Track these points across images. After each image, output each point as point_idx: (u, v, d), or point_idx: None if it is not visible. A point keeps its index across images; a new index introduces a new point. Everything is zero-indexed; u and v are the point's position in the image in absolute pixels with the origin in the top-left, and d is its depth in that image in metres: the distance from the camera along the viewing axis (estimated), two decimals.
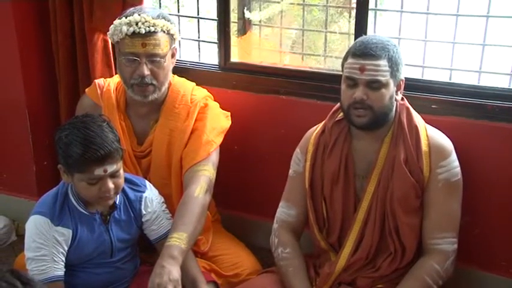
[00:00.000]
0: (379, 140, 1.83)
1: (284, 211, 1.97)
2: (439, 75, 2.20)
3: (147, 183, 1.94)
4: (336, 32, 2.69)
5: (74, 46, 2.44)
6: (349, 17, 2.45)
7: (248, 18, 2.56)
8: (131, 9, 1.99)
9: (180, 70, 2.34)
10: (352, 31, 2.21)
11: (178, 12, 2.62)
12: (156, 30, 1.92)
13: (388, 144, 1.82)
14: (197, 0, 2.50)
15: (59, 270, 1.73)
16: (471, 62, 2.16)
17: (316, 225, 1.91)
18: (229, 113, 2.17)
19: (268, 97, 2.36)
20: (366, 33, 2.15)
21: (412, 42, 2.25)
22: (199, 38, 2.57)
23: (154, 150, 2.06)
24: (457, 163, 1.82)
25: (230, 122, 2.15)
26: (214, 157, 2.03)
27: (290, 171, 1.99)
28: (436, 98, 2.08)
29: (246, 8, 2.54)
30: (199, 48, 2.57)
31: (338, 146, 1.86)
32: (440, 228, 1.79)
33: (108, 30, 1.99)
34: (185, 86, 2.11)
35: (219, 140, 2.07)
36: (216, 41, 2.45)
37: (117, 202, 1.82)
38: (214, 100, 2.17)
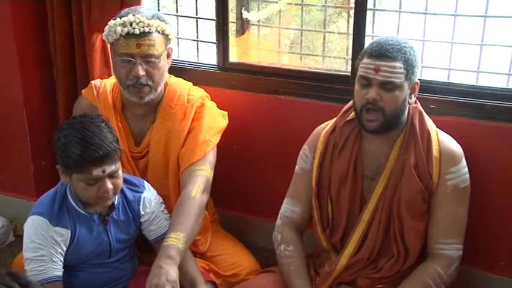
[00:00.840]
0: (390, 142, 1.83)
1: (288, 208, 1.97)
2: (438, 75, 2.20)
3: (146, 183, 1.94)
4: (334, 32, 2.69)
5: (72, 46, 2.44)
6: (348, 17, 2.45)
7: (246, 18, 2.55)
8: (126, 9, 1.99)
9: (179, 70, 2.35)
10: (351, 31, 2.22)
11: (177, 12, 2.63)
12: (150, 31, 1.92)
13: (399, 148, 1.81)
14: (196, 0, 2.50)
15: (58, 271, 1.73)
16: (469, 62, 2.16)
17: (320, 224, 1.91)
18: (226, 113, 2.17)
19: (267, 97, 2.36)
20: (364, 34, 2.16)
21: (411, 42, 2.25)
22: (197, 38, 2.57)
23: (151, 151, 2.06)
24: (466, 169, 1.82)
25: (227, 122, 2.15)
26: (211, 157, 2.03)
27: (296, 167, 1.98)
28: (435, 98, 2.08)
29: (244, 8, 2.54)
30: (197, 48, 2.57)
31: (348, 146, 1.85)
32: (446, 234, 1.79)
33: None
34: (182, 86, 2.11)
35: (216, 139, 2.07)
36: (214, 41, 2.45)
37: (115, 202, 1.82)
38: (213, 100, 2.17)
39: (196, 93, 2.11)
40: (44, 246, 1.72)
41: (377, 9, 2.25)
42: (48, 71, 2.56)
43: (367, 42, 2.13)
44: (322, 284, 1.85)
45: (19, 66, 2.52)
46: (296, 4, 2.56)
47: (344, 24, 2.66)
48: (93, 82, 2.16)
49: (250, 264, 2.14)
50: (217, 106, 2.17)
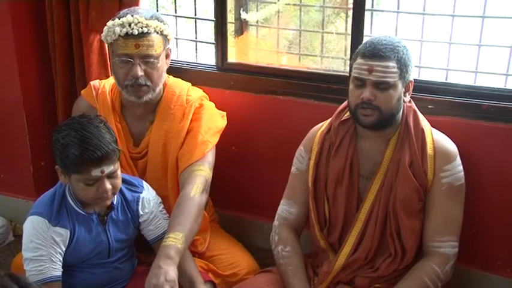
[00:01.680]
0: (385, 141, 1.83)
1: (285, 208, 1.97)
2: (436, 76, 2.20)
3: (145, 183, 1.94)
4: (332, 33, 2.68)
5: (71, 47, 2.43)
6: (346, 17, 2.44)
7: (245, 19, 2.55)
8: (125, 10, 1.98)
9: (178, 70, 2.34)
10: (349, 31, 2.21)
11: (176, 12, 2.62)
12: (149, 31, 1.92)
13: (394, 146, 1.82)
14: (194, 1, 2.50)
15: (57, 271, 1.73)
16: (467, 62, 2.16)
17: (317, 224, 1.91)
18: (225, 113, 2.17)
19: (266, 97, 2.36)
20: (362, 34, 2.15)
21: (409, 42, 2.25)
22: (196, 38, 2.57)
23: (150, 151, 2.06)
24: (461, 167, 1.83)
25: (226, 122, 2.15)
26: (210, 157, 2.03)
27: (293, 168, 1.98)
28: (433, 98, 2.08)
29: (242, 8, 2.54)
30: (196, 49, 2.57)
31: (344, 146, 1.86)
32: (442, 232, 1.79)
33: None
34: (181, 87, 2.10)
35: (215, 140, 2.07)
36: (213, 41, 2.45)
37: (114, 202, 1.82)
38: (212, 100, 2.17)
39: (195, 94, 2.11)
40: (43, 246, 1.71)
41: (375, 10, 2.25)
42: (47, 71, 2.56)
43: None
44: (321, 284, 1.85)
45: (18, 68, 2.52)
46: (294, 5, 2.56)
47: (342, 24, 2.65)
48: (92, 83, 2.16)
49: (249, 264, 2.14)
50: (216, 106, 2.17)
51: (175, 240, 1.74)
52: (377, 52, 1.71)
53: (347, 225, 1.86)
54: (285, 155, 2.11)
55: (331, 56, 2.56)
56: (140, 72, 1.93)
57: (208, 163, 2.01)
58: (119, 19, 1.93)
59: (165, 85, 2.07)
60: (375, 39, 1.78)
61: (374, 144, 1.84)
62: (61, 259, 1.75)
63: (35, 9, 2.49)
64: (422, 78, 2.15)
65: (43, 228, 1.72)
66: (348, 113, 1.86)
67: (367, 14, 2.14)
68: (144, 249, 1.98)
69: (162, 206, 1.94)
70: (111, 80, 2.13)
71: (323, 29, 2.47)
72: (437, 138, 1.83)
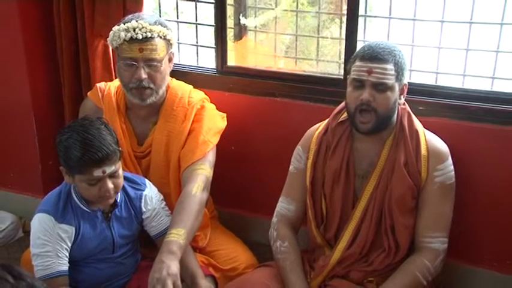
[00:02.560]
0: (381, 142, 1.83)
1: (284, 206, 1.96)
2: (426, 79, 2.20)
3: (147, 181, 1.94)
4: (327, 37, 2.70)
5: (77, 51, 2.44)
6: (340, 23, 2.45)
7: (244, 24, 2.56)
8: (130, 16, 1.99)
9: (179, 73, 2.35)
10: (343, 36, 2.22)
11: (178, 18, 2.62)
12: (153, 36, 1.92)
13: (390, 147, 1.82)
14: (195, 7, 2.50)
15: (63, 266, 1.73)
16: (455, 65, 2.16)
17: (315, 221, 1.91)
18: (225, 114, 2.17)
19: (264, 99, 2.36)
20: (356, 39, 2.16)
21: (400, 47, 2.25)
22: (197, 43, 2.57)
23: (153, 151, 2.06)
24: (452, 167, 1.83)
25: (226, 123, 2.15)
26: (211, 156, 2.03)
27: (291, 167, 1.98)
28: (423, 100, 2.08)
29: (242, 14, 2.54)
30: (197, 53, 2.57)
31: (340, 147, 1.86)
32: (433, 228, 1.80)
33: (109, 36, 1.99)
34: (183, 89, 2.11)
35: (215, 140, 2.07)
36: (213, 45, 2.45)
37: (118, 200, 1.82)
38: (212, 102, 2.17)
39: (197, 96, 2.11)
40: (49, 242, 1.72)
41: (368, 16, 2.25)
42: (55, 74, 2.56)
43: (359, 47, 2.12)
44: (317, 278, 1.85)
45: (27, 71, 2.52)
46: (291, 11, 2.57)
47: (337, 30, 2.66)
48: (98, 85, 2.16)
49: (248, 259, 2.14)
50: (216, 108, 2.17)
51: (178, 236, 1.74)
52: (376, 55, 1.72)
53: (343, 222, 1.86)
54: (282, 155, 2.11)
55: (326, 59, 2.57)
56: (144, 75, 1.94)
57: (209, 162, 2.01)
58: (124, 24, 1.93)
59: (168, 87, 2.07)
60: (372, 43, 1.78)
61: (370, 145, 1.84)
62: (67, 255, 1.75)
63: (44, 15, 2.49)
64: (413, 81, 2.16)
65: (49, 225, 1.73)
66: (344, 115, 1.86)
67: (360, 20, 2.15)
68: (147, 245, 1.98)
69: (164, 203, 1.95)
70: (116, 82, 2.13)
71: (318, 34, 2.47)
72: (430, 139, 1.83)
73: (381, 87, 1.73)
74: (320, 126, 1.94)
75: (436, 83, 2.16)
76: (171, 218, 1.88)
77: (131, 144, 2.07)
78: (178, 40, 2.55)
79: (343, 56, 2.24)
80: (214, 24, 2.40)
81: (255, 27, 2.59)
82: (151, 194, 1.90)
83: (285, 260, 1.86)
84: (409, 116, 1.84)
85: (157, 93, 2.00)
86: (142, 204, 1.87)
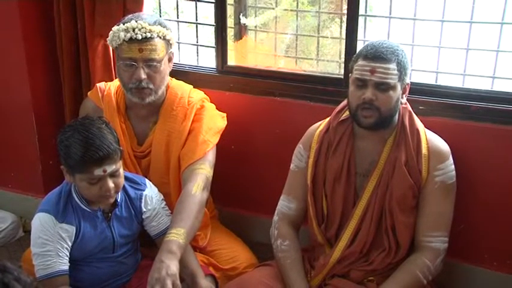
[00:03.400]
0: (382, 141, 1.83)
1: (285, 204, 1.96)
2: (426, 78, 2.20)
3: (147, 181, 1.93)
4: (328, 37, 2.69)
5: (78, 51, 2.43)
6: (341, 22, 2.45)
7: (244, 24, 2.55)
8: (129, 16, 1.98)
9: (180, 73, 2.34)
10: (343, 36, 2.21)
11: (178, 18, 2.62)
12: (152, 36, 1.92)
13: (391, 146, 1.81)
14: (196, 7, 2.49)
15: (64, 265, 1.73)
16: (456, 65, 2.16)
17: (315, 219, 1.90)
18: (225, 114, 2.16)
19: (264, 99, 2.36)
20: (356, 38, 2.15)
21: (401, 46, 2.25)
22: (197, 42, 2.56)
23: (153, 151, 2.05)
24: (453, 167, 1.83)
25: (226, 122, 2.14)
26: (211, 156, 2.03)
27: (292, 165, 1.98)
28: (423, 100, 2.08)
29: (242, 14, 2.53)
30: (197, 52, 2.57)
31: (342, 145, 1.85)
32: (433, 227, 1.79)
33: (108, 36, 1.99)
34: (183, 89, 2.10)
35: (215, 139, 2.07)
36: (213, 45, 2.45)
37: (118, 200, 1.82)
38: (212, 102, 2.16)
39: (196, 96, 2.11)
40: (50, 241, 1.71)
41: (368, 15, 2.25)
42: (55, 74, 2.56)
43: (359, 46, 2.12)
44: (317, 276, 1.85)
45: (28, 71, 2.51)
46: (291, 10, 2.57)
47: (337, 29, 2.66)
48: (98, 84, 2.16)
49: (248, 258, 2.13)
50: (216, 108, 2.16)
51: (177, 236, 1.74)
52: (379, 54, 1.71)
53: (344, 220, 1.86)
54: (282, 154, 2.11)
55: (327, 59, 2.57)
56: (143, 75, 1.93)
57: (209, 162, 2.01)
58: (124, 24, 1.92)
59: (167, 87, 2.07)
60: (375, 42, 1.77)
61: (371, 144, 1.84)
62: (68, 254, 1.74)
63: (44, 15, 2.48)
64: (414, 80, 2.15)
65: (50, 224, 1.72)
66: (346, 113, 1.86)
67: (360, 19, 2.14)
68: (147, 244, 1.97)
69: (164, 203, 1.94)
70: (116, 82, 2.13)
71: (319, 33, 2.47)
72: (431, 139, 1.83)
73: (384, 87, 1.72)
74: (321, 125, 1.94)
75: (436, 82, 2.16)
76: (171, 218, 1.87)
77: (131, 144, 2.07)
78: (178, 40, 2.54)
79: (343, 56, 2.23)
80: (214, 24, 2.40)
81: (255, 26, 2.59)
82: (151, 193, 1.89)
83: (286, 259, 1.86)
84: (411, 115, 1.83)
85: (156, 93, 1.99)
86: (143, 204, 1.87)
